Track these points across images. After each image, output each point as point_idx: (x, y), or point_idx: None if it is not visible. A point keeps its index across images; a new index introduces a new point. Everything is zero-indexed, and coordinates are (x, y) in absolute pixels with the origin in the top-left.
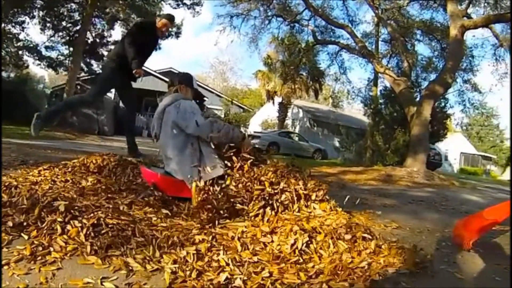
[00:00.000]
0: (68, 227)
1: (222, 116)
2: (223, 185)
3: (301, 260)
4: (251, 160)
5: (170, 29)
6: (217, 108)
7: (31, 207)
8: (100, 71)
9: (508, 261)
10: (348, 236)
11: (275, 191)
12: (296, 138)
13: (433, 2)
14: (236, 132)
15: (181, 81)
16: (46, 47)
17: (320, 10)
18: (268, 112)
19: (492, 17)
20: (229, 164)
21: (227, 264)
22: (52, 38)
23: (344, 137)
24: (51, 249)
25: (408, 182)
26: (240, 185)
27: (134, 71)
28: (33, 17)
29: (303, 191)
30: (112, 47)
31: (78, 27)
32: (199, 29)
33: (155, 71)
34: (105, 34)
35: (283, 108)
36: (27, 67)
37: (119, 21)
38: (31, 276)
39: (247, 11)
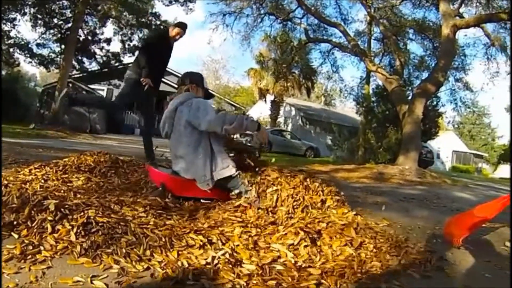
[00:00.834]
0: (59, 226)
1: None
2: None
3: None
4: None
5: (182, 36)
6: None
7: (21, 206)
8: (123, 83)
9: (498, 257)
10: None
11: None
12: (289, 136)
13: (425, 1)
14: (249, 121)
15: (192, 80)
16: (38, 45)
17: (312, 8)
18: (260, 110)
19: (484, 16)
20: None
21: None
22: (44, 36)
23: (337, 135)
24: (41, 248)
25: (400, 180)
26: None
27: (141, 79)
28: (24, 14)
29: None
30: (104, 44)
31: (69, 25)
32: (192, 27)
33: None
34: (97, 31)
35: (276, 106)
36: (18, 65)
37: (111, 19)
38: (21, 275)
39: (240, 9)
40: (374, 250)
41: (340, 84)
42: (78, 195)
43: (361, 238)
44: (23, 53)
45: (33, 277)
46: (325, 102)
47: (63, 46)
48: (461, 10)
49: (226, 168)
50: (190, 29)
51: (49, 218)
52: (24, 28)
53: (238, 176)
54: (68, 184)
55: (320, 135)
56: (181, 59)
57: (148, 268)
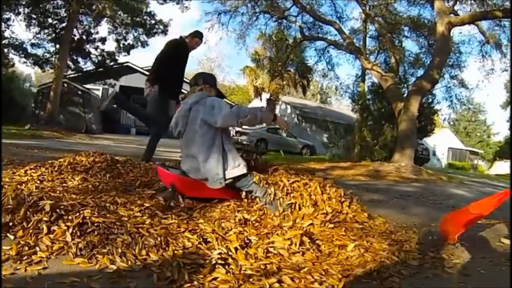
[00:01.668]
0: (54, 226)
1: None
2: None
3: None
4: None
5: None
6: None
7: (16, 207)
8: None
9: (493, 254)
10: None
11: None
12: (284, 134)
13: None
14: (264, 112)
15: (206, 81)
16: (32, 45)
17: (307, 6)
18: None
19: (479, 14)
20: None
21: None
22: (38, 36)
23: (332, 133)
24: (37, 248)
25: (396, 177)
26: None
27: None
28: (18, 13)
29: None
30: (99, 43)
31: (64, 24)
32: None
33: (142, 68)
34: (92, 31)
35: (271, 104)
36: (13, 65)
37: (105, 18)
38: (17, 276)
39: (235, 8)
40: (370, 248)
41: (336, 82)
42: (74, 196)
43: (359, 240)
44: (17, 54)
45: (29, 278)
46: (320, 100)
47: (57, 46)
48: (456, 8)
49: (237, 167)
50: (185, 28)
51: (45, 218)
52: (18, 28)
53: (249, 176)
54: (64, 184)
55: (316, 133)
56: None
57: (144, 268)
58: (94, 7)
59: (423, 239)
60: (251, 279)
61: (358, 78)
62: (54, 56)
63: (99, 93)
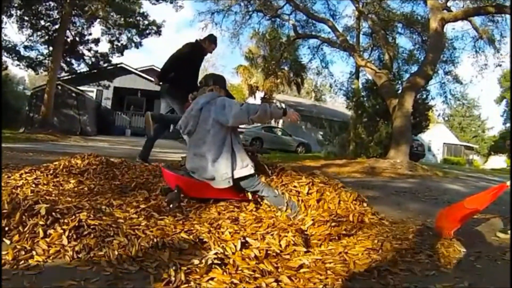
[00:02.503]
0: (50, 230)
1: None
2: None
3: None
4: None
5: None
6: None
7: (12, 211)
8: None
9: (489, 248)
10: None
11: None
12: (279, 133)
13: None
14: (273, 107)
15: (216, 82)
16: (25, 47)
17: (301, 4)
18: None
19: (472, 10)
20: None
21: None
22: (31, 38)
23: (327, 130)
24: (34, 252)
25: (392, 173)
26: None
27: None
28: (11, 16)
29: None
30: (92, 45)
31: (57, 26)
32: (181, 25)
33: (136, 69)
34: (85, 32)
35: (266, 102)
36: (6, 68)
37: (98, 19)
38: (14, 280)
39: (228, 7)
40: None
41: (330, 80)
42: (70, 199)
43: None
44: (10, 56)
45: (26, 282)
46: (315, 97)
47: (51, 48)
48: (448, 4)
49: (245, 167)
50: (178, 28)
51: (41, 222)
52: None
53: (256, 176)
54: (59, 188)
55: (311, 130)
56: None
57: (140, 269)
58: (86, 8)
59: (419, 235)
60: (248, 279)
61: (352, 75)
62: (47, 58)
63: (93, 94)
